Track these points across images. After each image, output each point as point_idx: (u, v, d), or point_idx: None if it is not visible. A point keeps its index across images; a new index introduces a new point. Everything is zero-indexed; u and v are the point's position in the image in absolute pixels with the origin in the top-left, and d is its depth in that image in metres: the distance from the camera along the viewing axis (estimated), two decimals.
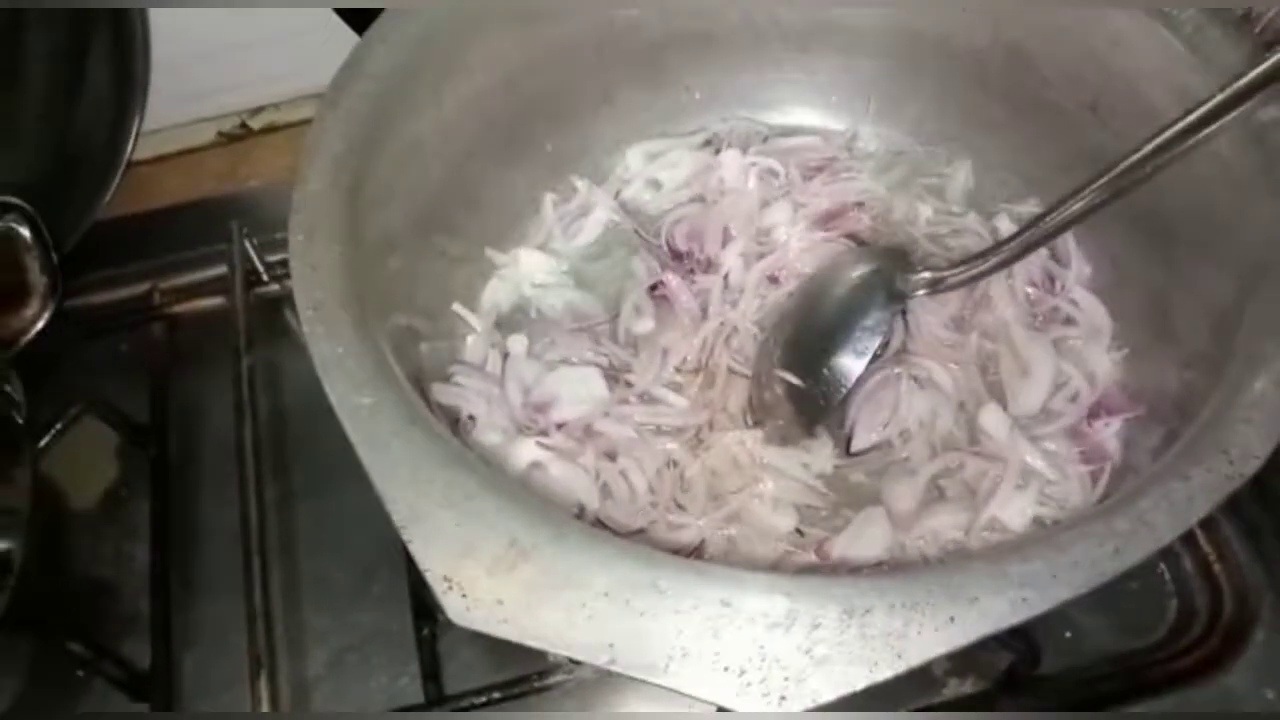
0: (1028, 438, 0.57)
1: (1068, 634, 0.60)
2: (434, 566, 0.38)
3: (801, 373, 0.60)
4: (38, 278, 0.54)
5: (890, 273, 0.61)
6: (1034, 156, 0.66)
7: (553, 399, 0.60)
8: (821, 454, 0.60)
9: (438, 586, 0.38)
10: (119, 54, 0.69)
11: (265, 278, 0.73)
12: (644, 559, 0.38)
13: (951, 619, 0.36)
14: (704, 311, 0.65)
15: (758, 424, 0.61)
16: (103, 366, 0.73)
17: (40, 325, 0.54)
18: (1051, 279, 0.63)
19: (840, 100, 0.71)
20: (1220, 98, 0.46)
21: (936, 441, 0.59)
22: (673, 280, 0.65)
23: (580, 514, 0.57)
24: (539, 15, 0.61)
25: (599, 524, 0.57)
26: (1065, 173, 0.63)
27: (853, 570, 0.53)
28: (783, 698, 0.35)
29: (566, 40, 0.63)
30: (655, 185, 0.71)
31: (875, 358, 0.60)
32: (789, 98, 0.71)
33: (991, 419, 0.58)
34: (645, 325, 0.65)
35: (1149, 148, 0.48)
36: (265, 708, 0.54)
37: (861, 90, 0.70)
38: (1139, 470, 0.53)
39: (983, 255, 0.58)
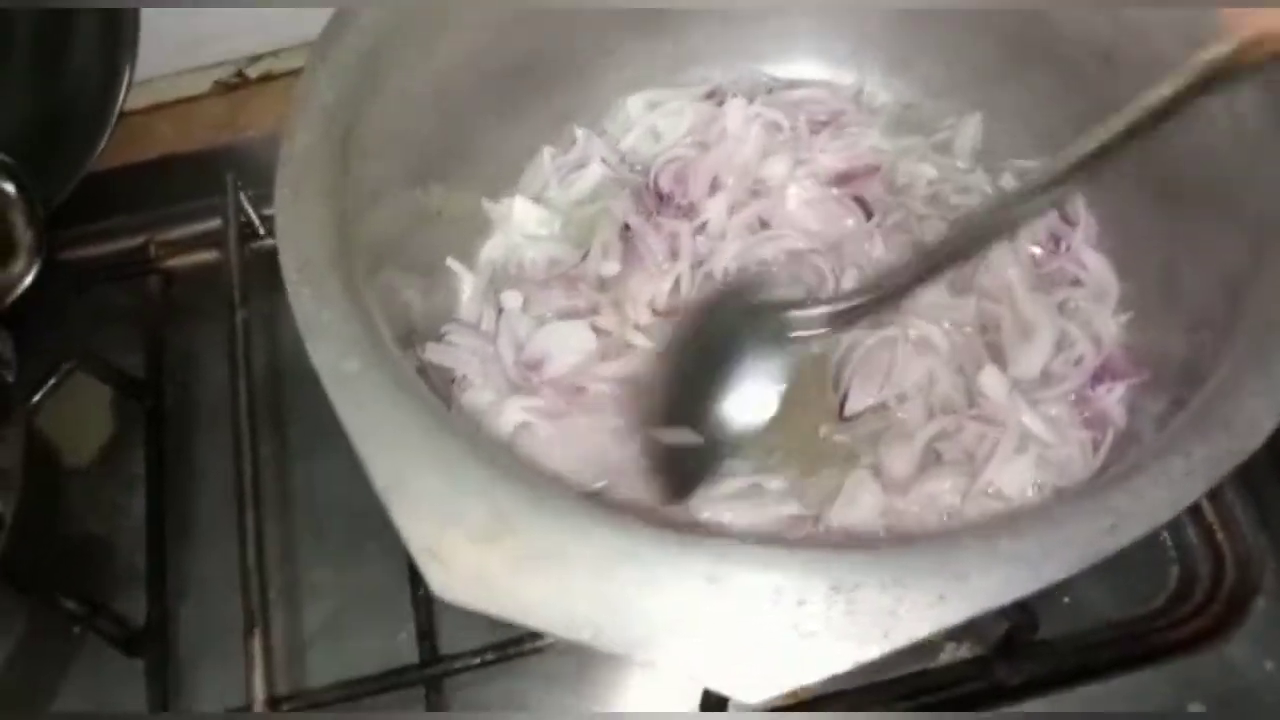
0: (1028, 401, 0.56)
1: (1066, 599, 0.59)
2: (416, 537, 0.38)
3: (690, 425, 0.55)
4: (23, 233, 0.53)
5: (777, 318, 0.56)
6: (1046, 110, 0.63)
7: (544, 355, 0.59)
8: None
9: (420, 557, 0.37)
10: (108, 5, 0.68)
11: (261, 231, 0.71)
12: (628, 531, 0.37)
13: (941, 597, 0.35)
14: (674, 255, 0.63)
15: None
16: (98, 320, 0.72)
17: (27, 282, 0.53)
18: (1057, 240, 0.62)
19: (847, 52, 0.69)
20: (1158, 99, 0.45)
21: (934, 404, 0.58)
22: (637, 221, 0.64)
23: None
24: None
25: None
26: (1077, 127, 0.61)
27: (852, 538, 0.52)
28: (766, 676, 0.35)
29: None
30: (656, 135, 0.69)
31: None
32: (794, 49, 0.69)
33: (990, 381, 0.57)
34: (611, 268, 0.63)
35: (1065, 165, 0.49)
36: (258, 667, 0.54)
37: (870, 42, 0.67)
38: (1142, 438, 0.52)
39: (871, 288, 0.55)
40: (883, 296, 0.54)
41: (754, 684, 0.35)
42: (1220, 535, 0.61)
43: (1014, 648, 0.57)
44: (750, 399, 0.55)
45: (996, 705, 0.56)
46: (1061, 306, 0.60)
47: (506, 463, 0.40)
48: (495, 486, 0.38)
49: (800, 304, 0.56)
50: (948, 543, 0.37)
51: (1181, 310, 0.53)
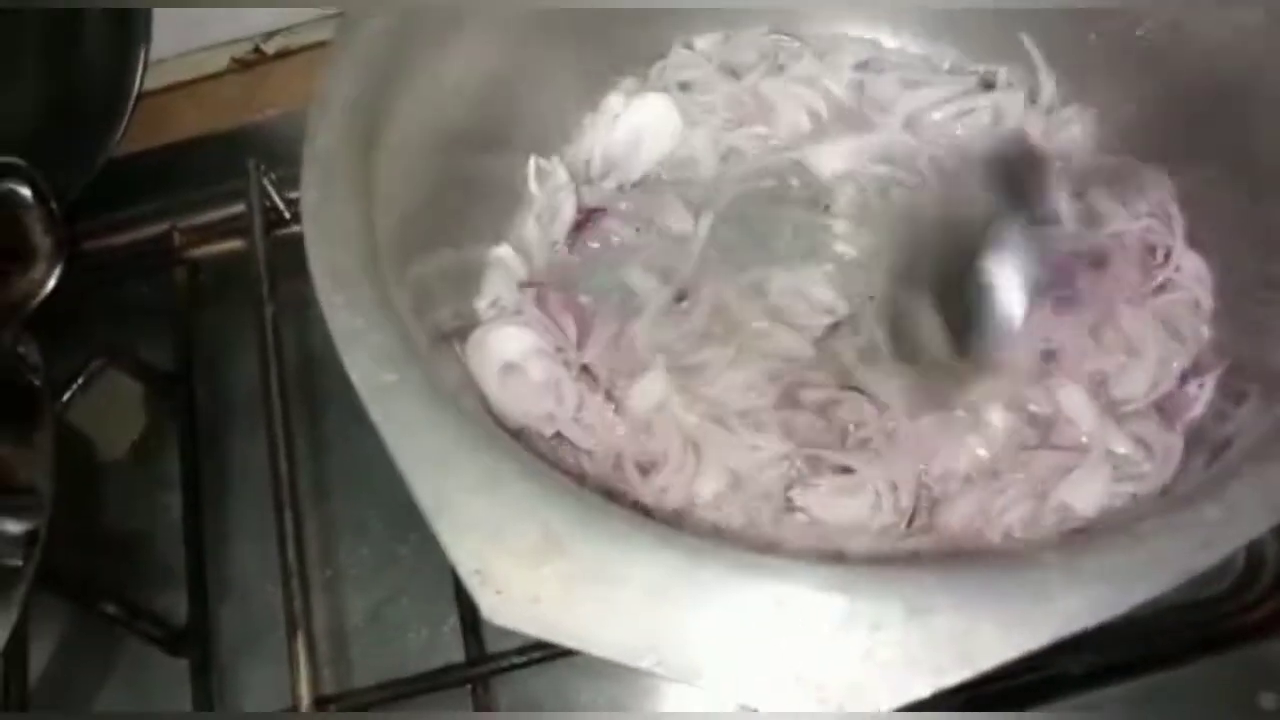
0: (1116, 420, 0.51)
1: None
2: (464, 559, 0.36)
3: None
4: (41, 238, 0.51)
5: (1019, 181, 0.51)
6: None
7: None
8: None
9: (469, 581, 0.36)
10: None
11: (287, 215, 0.69)
12: (688, 550, 0.35)
13: (1023, 620, 0.33)
14: None
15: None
16: (125, 313, 0.71)
17: (48, 288, 0.52)
18: (1154, 247, 0.56)
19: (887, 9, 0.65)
20: None
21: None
22: None
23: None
24: None
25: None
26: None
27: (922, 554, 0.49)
28: (840, 706, 0.33)
29: None
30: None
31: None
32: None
33: (1076, 403, 0.52)
34: None
35: None
36: (303, 669, 0.53)
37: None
38: (1228, 435, 0.49)
39: None
40: None
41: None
42: None
43: (1077, 636, 0.55)
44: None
45: (1059, 696, 0.55)
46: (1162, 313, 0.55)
47: (555, 479, 0.38)
48: (545, 505, 0.37)
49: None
50: (1029, 562, 0.35)
51: (1263, 297, 0.50)
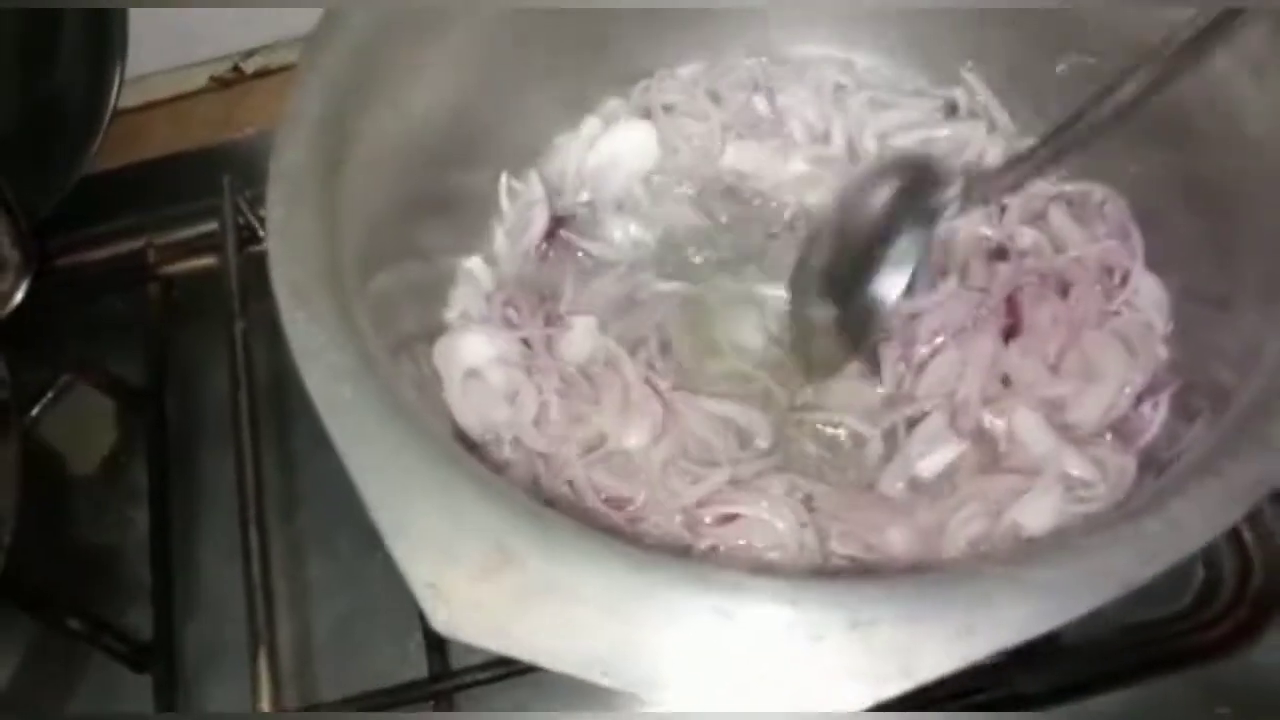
0: (1074, 443, 0.52)
1: None
2: (416, 572, 0.36)
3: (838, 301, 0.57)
4: (9, 251, 0.52)
5: (919, 189, 0.56)
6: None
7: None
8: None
9: (420, 593, 0.36)
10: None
11: (261, 233, 0.70)
12: (637, 564, 0.36)
13: (966, 631, 0.34)
14: None
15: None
16: (97, 327, 0.72)
17: (17, 300, 0.52)
18: (1111, 270, 0.57)
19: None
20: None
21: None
22: None
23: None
24: None
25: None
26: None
27: (868, 566, 0.50)
28: (785, 716, 0.33)
29: None
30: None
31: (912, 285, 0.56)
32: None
33: (1029, 427, 0.52)
34: None
35: None
36: (265, 687, 0.53)
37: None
38: (1179, 453, 0.49)
39: (1020, 159, 0.55)
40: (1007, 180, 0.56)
41: None
42: (1247, 535, 0.59)
43: (1034, 654, 0.55)
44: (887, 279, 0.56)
45: (1018, 715, 0.55)
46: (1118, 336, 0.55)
47: (509, 493, 0.38)
48: (500, 520, 0.37)
49: (936, 183, 0.56)
50: (971, 573, 0.35)
51: (1224, 314, 0.50)
